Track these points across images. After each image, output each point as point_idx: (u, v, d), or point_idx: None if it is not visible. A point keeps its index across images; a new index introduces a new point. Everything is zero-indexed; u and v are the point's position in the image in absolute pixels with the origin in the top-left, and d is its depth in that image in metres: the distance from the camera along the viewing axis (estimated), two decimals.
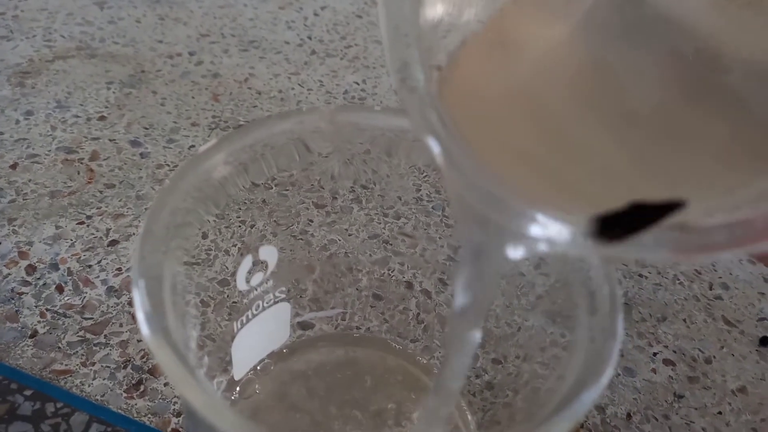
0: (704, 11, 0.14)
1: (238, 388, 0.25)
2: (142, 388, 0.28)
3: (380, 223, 0.30)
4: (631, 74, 0.14)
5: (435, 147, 0.14)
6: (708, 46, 0.14)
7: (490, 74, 0.15)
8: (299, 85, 0.48)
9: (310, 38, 0.54)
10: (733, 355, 0.33)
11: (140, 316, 0.15)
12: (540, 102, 0.15)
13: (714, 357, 0.33)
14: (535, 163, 0.14)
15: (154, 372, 0.28)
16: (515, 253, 0.14)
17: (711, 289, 0.36)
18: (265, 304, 0.25)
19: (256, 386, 0.25)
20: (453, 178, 0.14)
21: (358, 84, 0.49)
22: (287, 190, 0.26)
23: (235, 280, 0.24)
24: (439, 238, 0.29)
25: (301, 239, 0.28)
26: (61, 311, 0.30)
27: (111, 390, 0.27)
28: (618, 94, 0.14)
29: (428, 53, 0.15)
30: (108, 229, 0.35)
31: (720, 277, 0.37)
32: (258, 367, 0.26)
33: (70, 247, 0.33)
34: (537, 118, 0.14)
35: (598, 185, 0.13)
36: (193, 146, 0.41)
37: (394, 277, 0.30)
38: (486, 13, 0.16)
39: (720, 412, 0.30)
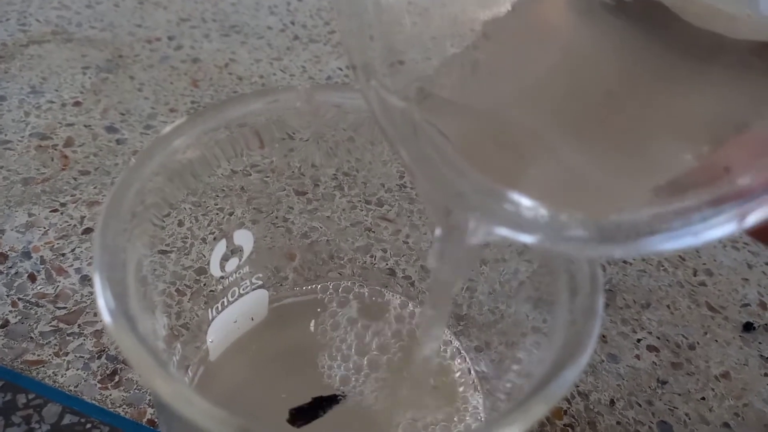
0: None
1: (214, 372, 0.24)
2: (116, 378, 0.27)
3: (363, 210, 0.29)
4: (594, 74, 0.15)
5: (393, 136, 0.14)
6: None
7: (466, 83, 0.16)
8: (281, 70, 0.47)
9: (293, 23, 0.53)
10: (716, 341, 0.33)
11: (101, 302, 0.14)
12: (506, 110, 0.15)
13: (698, 343, 0.33)
14: (495, 158, 0.14)
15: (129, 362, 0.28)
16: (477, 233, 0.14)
17: (695, 275, 0.36)
18: (242, 291, 0.24)
19: (233, 368, 0.24)
20: (421, 181, 0.14)
21: (341, 70, 0.48)
22: (268, 177, 0.25)
23: (209, 267, 0.23)
24: (423, 225, 0.29)
25: (282, 227, 0.27)
26: (33, 300, 0.29)
27: (85, 380, 0.27)
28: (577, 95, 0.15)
29: (391, 50, 0.15)
30: (82, 217, 0.34)
31: (704, 264, 0.37)
32: (235, 348, 0.25)
33: (43, 235, 0.32)
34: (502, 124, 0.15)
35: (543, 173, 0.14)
36: None
37: (376, 265, 0.30)
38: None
39: (703, 398, 0.30)
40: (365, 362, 0.25)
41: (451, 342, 0.27)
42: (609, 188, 0.13)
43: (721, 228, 0.11)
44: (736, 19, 0.13)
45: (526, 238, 0.13)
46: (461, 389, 0.25)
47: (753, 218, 0.10)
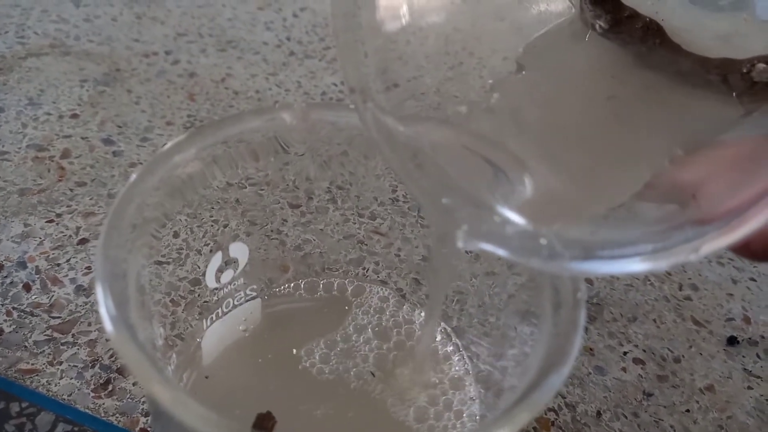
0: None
1: (207, 380, 0.24)
2: (110, 387, 0.27)
3: (356, 224, 0.30)
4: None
5: (391, 157, 0.14)
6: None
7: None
8: (277, 85, 0.48)
9: (288, 39, 0.54)
10: (701, 354, 0.34)
11: (103, 311, 0.14)
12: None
13: (683, 356, 0.33)
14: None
15: (122, 371, 0.28)
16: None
17: (681, 289, 0.37)
18: (236, 302, 0.25)
19: (226, 376, 0.25)
20: (414, 185, 0.15)
21: (336, 85, 0.49)
22: (262, 189, 0.26)
23: (205, 279, 0.23)
24: (414, 238, 0.29)
25: (276, 239, 0.28)
26: (28, 310, 0.30)
27: (78, 389, 0.27)
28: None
29: (385, 72, 0.16)
30: (78, 228, 0.34)
31: (690, 279, 0.38)
32: (228, 357, 0.25)
33: (38, 245, 0.33)
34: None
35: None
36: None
37: (368, 277, 0.30)
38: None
39: (688, 410, 0.31)
40: (361, 365, 0.26)
41: (458, 345, 0.27)
42: (587, 205, 0.14)
43: (680, 256, 0.11)
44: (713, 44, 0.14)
45: (506, 252, 0.14)
46: (462, 381, 0.25)
47: (707, 248, 0.11)
